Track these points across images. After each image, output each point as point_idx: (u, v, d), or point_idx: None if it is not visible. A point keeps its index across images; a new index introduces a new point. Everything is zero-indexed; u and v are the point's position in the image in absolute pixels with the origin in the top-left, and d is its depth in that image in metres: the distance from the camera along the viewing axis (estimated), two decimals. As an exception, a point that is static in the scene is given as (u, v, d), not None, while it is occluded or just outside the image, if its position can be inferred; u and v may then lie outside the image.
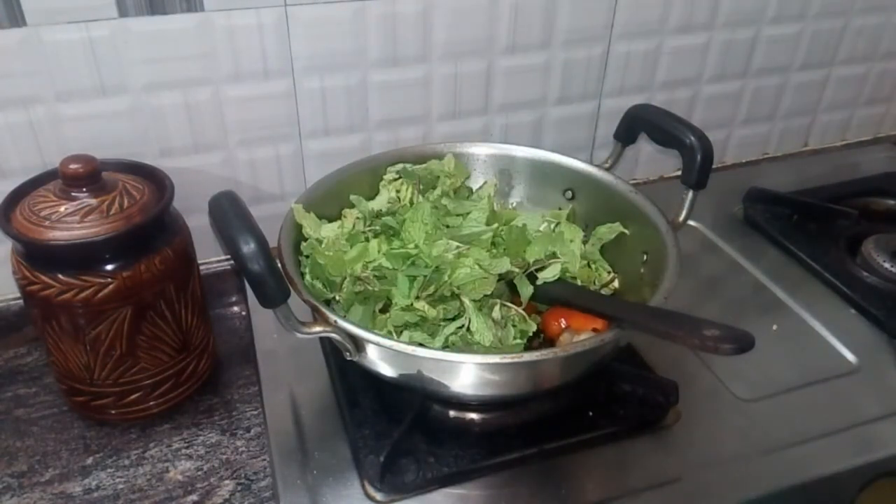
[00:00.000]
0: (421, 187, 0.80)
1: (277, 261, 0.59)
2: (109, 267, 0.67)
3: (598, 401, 0.72)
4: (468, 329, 0.66)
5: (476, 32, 0.89)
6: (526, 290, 0.71)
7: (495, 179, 0.86)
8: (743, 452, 0.69)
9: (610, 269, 0.79)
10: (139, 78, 0.78)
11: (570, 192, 0.83)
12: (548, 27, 0.92)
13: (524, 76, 0.95)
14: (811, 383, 0.77)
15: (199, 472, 0.71)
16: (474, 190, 0.86)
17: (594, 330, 0.67)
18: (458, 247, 0.69)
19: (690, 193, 0.75)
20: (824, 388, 0.77)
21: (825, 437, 0.71)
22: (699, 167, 0.72)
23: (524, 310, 0.71)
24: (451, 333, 0.66)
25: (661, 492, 0.66)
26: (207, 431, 0.76)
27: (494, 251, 0.73)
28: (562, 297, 0.71)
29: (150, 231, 0.70)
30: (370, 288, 0.68)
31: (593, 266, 0.79)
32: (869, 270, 0.91)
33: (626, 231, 0.77)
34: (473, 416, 0.72)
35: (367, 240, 0.73)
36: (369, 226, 0.76)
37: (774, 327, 0.85)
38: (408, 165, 0.82)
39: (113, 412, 0.75)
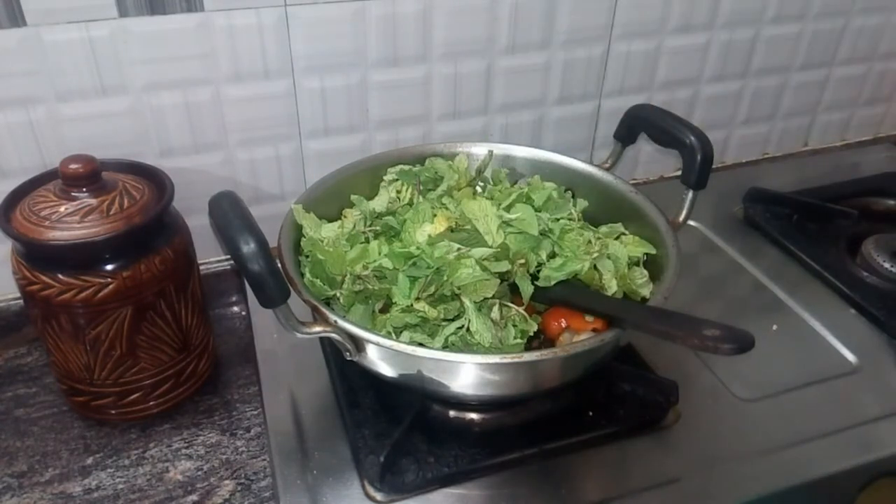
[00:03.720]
0: (421, 188, 0.79)
1: (277, 261, 0.59)
2: (109, 267, 0.67)
3: (598, 401, 0.72)
4: (468, 329, 0.66)
5: (476, 32, 0.89)
6: (527, 289, 0.71)
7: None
8: (743, 452, 0.69)
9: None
10: (139, 78, 0.78)
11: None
12: (548, 27, 0.93)
13: (524, 76, 0.95)
14: (811, 383, 0.77)
15: (199, 472, 0.71)
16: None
17: (594, 330, 0.67)
18: (458, 248, 0.69)
19: (690, 193, 0.75)
20: (824, 388, 0.77)
21: (825, 437, 0.71)
22: (699, 167, 0.72)
23: (525, 310, 0.71)
24: (451, 334, 0.66)
25: (661, 492, 0.66)
26: (207, 431, 0.76)
27: (498, 251, 0.73)
28: (562, 297, 0.71)
29: (150, 231, 0.70)
30: (370, 287, 0.68)
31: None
32: (869, 270, 0.91)
33: (626, 232, 0.77)
34: (473, 416, 0.72)
35: (367, 240, 0.73)
36: (370, 226, 0.76)
37: (774, 327, 0.85)
38: (405, 167, 0.81)
39: (113, 412, 0.75)
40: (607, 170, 0.82)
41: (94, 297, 0.67)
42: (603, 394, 0.73)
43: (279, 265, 0.59)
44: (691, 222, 0.92)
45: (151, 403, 0.76)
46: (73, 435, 0.75)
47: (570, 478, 0.67)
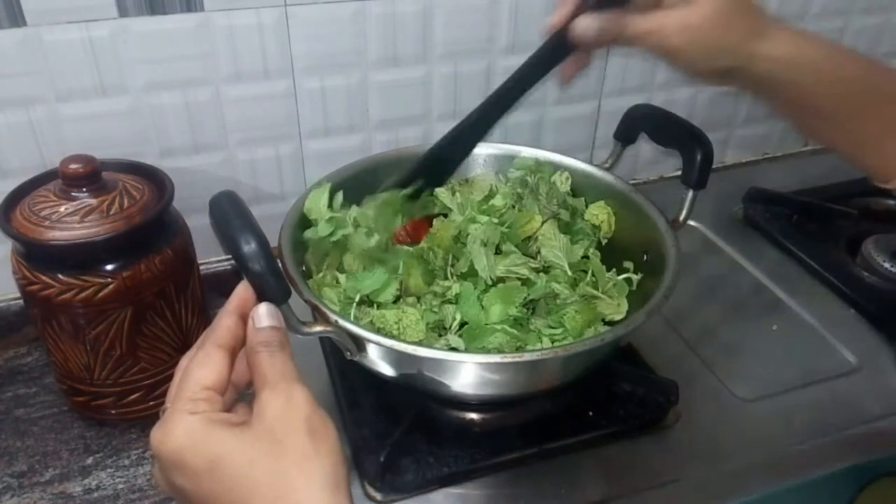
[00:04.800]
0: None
1: (278, 260, 0.59)
2: (109, 267, 0.67)
3: (598, 401, 0.72)
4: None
5: (476, 32, 0.89)
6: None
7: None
8: (743, 452, 0.69)
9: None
10: (139, 78, 0.78)
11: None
12: (548, 27, 0.92)
13: (524, 76, 0.95)
14: (811, 383, 0.77)
15: (199, 472, 0.71)
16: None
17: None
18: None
19: (690, 193, 0.74)
20: (824, 388, 0.77)
21: (825, 437, 0.71)
22: (699, 167, 0.72)
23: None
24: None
25: (661, 492, 0.66)
26: (207, 431, 0.76)
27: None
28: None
29: (150, 231, 0.70)
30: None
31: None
32: (869, 270, 0.91)
33: (610, 207, 0.79)
34: (473, 416, 0.72)
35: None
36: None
37: (774, 327, 0.85)
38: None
39: (113, 412, 0.75)
40: (607, 170, 0.82)
41: (94, 297, 0.67)
42: (603, 394, 0.73)
43: (280, 265, 0.58)
44: (691, 222, 0.91)
45: (151, 403, 0.76)
46: (73, 435, 0.75)
47: (570, 478, 0.67)
